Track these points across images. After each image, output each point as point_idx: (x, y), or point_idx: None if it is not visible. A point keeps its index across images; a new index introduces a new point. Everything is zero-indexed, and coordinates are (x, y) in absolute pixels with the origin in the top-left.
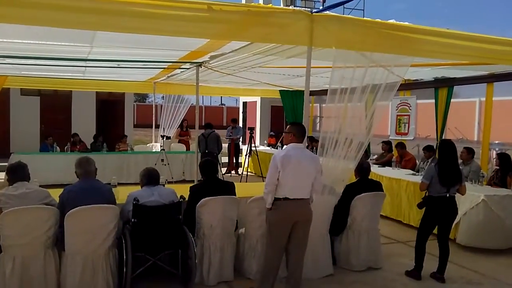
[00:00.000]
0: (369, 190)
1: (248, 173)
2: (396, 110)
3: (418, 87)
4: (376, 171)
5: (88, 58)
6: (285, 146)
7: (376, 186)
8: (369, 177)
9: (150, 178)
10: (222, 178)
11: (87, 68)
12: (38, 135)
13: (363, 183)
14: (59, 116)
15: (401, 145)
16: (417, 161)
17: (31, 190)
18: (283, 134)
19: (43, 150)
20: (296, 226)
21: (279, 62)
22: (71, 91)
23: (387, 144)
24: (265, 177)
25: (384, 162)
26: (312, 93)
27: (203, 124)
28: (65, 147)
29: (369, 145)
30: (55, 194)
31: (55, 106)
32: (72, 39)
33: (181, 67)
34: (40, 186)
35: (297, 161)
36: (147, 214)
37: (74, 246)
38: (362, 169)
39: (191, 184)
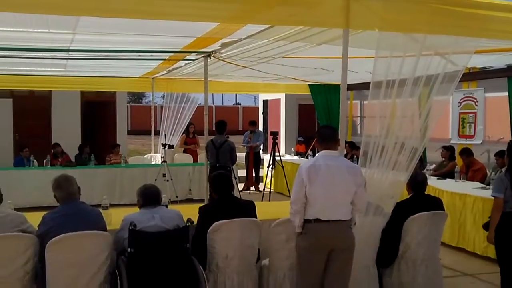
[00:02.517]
0: (426, 209)
1: (272, 190)
2: (459, 106)
3: (486, 77)
4: (435, 184)
5: (71, 48)
6: (316, 155)
7: (434, 203)
8: (426, 193)
9: (149, 197)
10: (239, 196)
11: (69, 60)
12: (12, 146)
13: (418, 200)
14: (37, 122)
15: (466, 152)
16: (487, 171)
17: (3, 215)
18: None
19: (17, 164)
20: (333, 256)
21: (307, 52)
22: (50, 91)
23: (448, 150)
24: None
25: (445, 173)
26: (350, 87)
27: (216, 126)
28: (45, 161)
29: (425, 152)
30: (33, 219)
31: (31, 110)
32: (49, 25)
33: (186, 58)
34: (15, 209)
35: (329, 172)
36: (146, 242)
37: (58, 283)
38: (417, 182)
39: (201, 204)
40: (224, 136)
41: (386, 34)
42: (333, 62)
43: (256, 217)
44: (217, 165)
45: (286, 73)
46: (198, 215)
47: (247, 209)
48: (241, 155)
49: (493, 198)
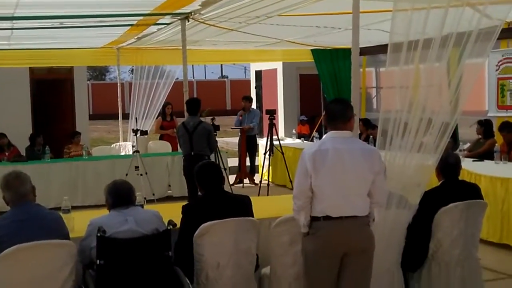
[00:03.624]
0: (461, 198)
1: (270, 183)
2: (497, 71)
3: None
4: (470, 167)
5: (15, 14)
6: (323, 137)
7: (471, 191)
8: (460, 178)
9: (120, 196)
10: (230, 191)
11: (14, 31)
12: None
13: (451, 187)
14: None
15: (507, 126)
16: None
17: None
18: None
19: None
20: (348, 260)
21: (309, 7)
22: None
23: (484, 126)
24: None
25: (482, 153)
26: (362, 51)
27: (186, 105)
28: None
29: (456, 129)
30: None
31: None
32: None
33: (158, 22)
34: None
35: (338, 157)
36: (119, 251)
37: None
38: (448, 165)
39: (183, 203)
40: (198, 118)
41: None
42: (341, 19)
43: (252, 216)
44: (192, 153)
45: (283, 36)
46: (181, 215)
47: (241, 206)
48: (232, 141)
49: None
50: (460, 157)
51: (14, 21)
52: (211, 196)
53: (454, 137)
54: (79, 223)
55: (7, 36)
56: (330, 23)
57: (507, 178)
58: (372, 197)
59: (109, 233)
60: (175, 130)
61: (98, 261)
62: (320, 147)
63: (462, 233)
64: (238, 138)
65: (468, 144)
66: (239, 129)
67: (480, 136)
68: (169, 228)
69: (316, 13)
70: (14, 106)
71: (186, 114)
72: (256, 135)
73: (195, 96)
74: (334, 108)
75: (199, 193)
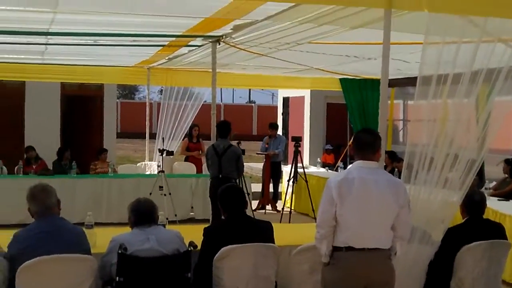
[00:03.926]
0: (484, 237)
1: (292, 210)
2: None
3: None
4: (495, 206)
5: (50, 30)
6: (349, 166)
7: (495, 230)
8: (484, 217)
9: (144, 214)
10: (252, 216)
11: (48, 46)
12: None
13: (475, 225)
14: (6, 120)
15: None
16: None
17: None
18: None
19: None
20: None
21: (339, 36)
22: (24, 82)
23: (511, 165)
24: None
25: (508, 192)
26: (391, 82)
27: (217, 128)
28: (16, 168)
29: (483, 166)
30: (3, 240)
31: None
32: (25, 1)
33: (190, 43)
34: None
35: (365, 188)
36: (139, 269)
37: None
38: (473, 203)
39: (205, 225)
40: (228, 141)
41: (437, 16)
42: (371, 49)
43: (273, 242)
44: (220, 176)
45: (312, 63)
46: (203, 237)
47: (262, 232)
48: (257, 166)
49: None
50: (486, 195)
51: (49, 37)
52: (233, 219)
53: (480, 174)
54: (101, 239)
55: (41, 51)
56: (360, 52)
57: None
58: (396, 230)
59: (130, 251)
60: (200, 152)
61: (117, 278)
62: (347, 176)
63: (485, 273)
64: (262, 163)
65: (494, 183)
66: (264, 155)
67: (506, 175)
68: (190, 249)
69: (346, 42)
70: (44, 120)
71: (212, 136)
72: (281, 162)
73: (222, 119)
74: (364, 138)
75: (222, 217)
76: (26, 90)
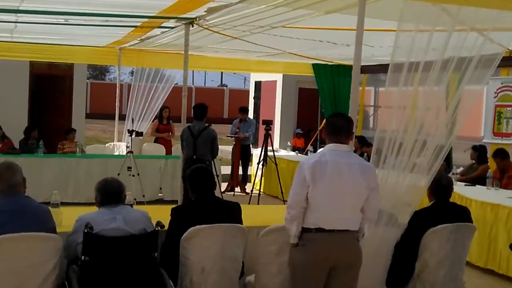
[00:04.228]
0: (450, 220)
1: (261, 192)
2: (495, 98)
3: None
4: (462, 191)
5: (21, 8)
6: (320, 149)
7: (460, 214)
8: (451, 200)
9: (110, 193)
10: (221, 197)
11: (18, 24)
12: None
13: (441, 208)
14: None
15: (501, 153)
16: None
17: None
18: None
19: None
20: (335, 273)
21: (313, 21)
22: None
23: (478, 151)
24: (287, 198)
25: (474, 177)
26: (363, 69)
27: (194, 110)
28: None
29: (451, 152)
30: None
31: None
32: None
33: (163, 25)
34: None
35: (337, 170)
36: (105, 249)
37: None
38: (440, 187)
39: (173, 206)
40: (203, 123)
41: (411, 4)
42: (345, 35)
43: (241, 223)
44: (194, 157)
45: (285, 47)
46: (170, 217)
47: (230, 213)
48: (226, 149)
49: None
50: (453, 180)
51: (19, 15)
52: (201, 200)
53: (448, 160)
54: (67, 219)
55: (11, 29)
56: (333, 38)
57: (497, 204)
58: (364, 212)
59: (96, 230)
60: (170, 134)
61: (83, 257)
62: (320, 158)
63: (449, 255)
64: (231, 146)
65: (461, 168)
66: (233, 138)
67: (473, 161)
68: (157, 229)
69: (320, 27)
70: (12, 99)
71: (183, 118)
72: (250, 145)
73: (193, 102)
74: (338, 122)
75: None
76: None
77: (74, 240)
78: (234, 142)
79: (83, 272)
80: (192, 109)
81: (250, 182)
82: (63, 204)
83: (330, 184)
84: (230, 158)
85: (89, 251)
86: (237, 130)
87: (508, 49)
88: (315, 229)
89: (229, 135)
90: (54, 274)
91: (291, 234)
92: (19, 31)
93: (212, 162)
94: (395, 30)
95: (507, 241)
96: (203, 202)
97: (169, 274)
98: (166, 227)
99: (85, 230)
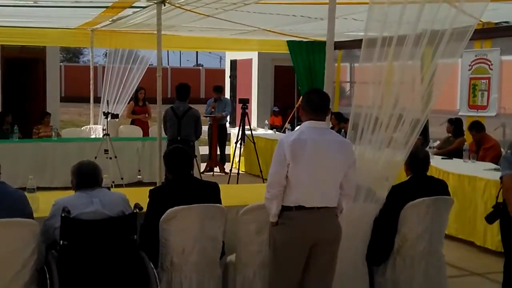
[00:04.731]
0: (428, 194)
1: (240, 172)
2: (469, 70)
3: (503, 35)
4: (439, 164)
5: None
6: (298, 127)
7: (438, 187)
8: (428, 174)
9: (87, 176)
10: (199, 178)
11: None
12: None
13: (419, 182)
14: None
15: (476, 126)
16: (502, 150)
17: None
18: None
19: None
20: (316, 250)
21: None
22: None
23: (454, 124)
24: (267, 177)
25: (451, 150)
26: (338, 45)
27: (176, 90)
28: None
29: (427, 126)
30: None
31: None
32: None
33: (134, 5)
34: None
35: (316, 148)
36: (83, 232)
37: None
38: (417, 161)
39: (152, 187)
40: (187, 103)
41: None
42: (319, 8)
43: (220, 203)
44: (178, 138)
45: (259, 24)
46: (148, 199)
47: (209, 193)
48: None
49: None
50: (430, 153)
51: None
52: (179, 181)
53: (425, 134)
54: (44, 203)
55: None
56: (307, 12)
57: (474, 177)
58: (343, 188)
59: (73, 214)
60: (147, 115)
61: (61, 241)
62: (299, 136)
63: (428, 228)
64: (207, 126)
65: (438, 142)
66: (210, 118)
67: (450, 134)
68: (135, 211)
69: (293, 2)
70: None
71: (158, 99)
72: (226, 124)
73: (169, 83)
74: (316, 99)
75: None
76: None
77: (52, 225)
78: (210, 122)
79: (62, 257)
80: (176, 90)
81: (228, 161)
82: (40, 189)
83: (310, 162)
84: (207, 138)
85: (67, 235)
86: (213, 110)
87: (480, 21)
88: (295, 207)
89: (206, 115)
90: (33, 260)
91: (271, 213)
92: None
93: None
94: (368, 3)
95: (484, 213)
96: (181, 183)
97: (149, 256)
98: (145, 209)
99: (62, 214)
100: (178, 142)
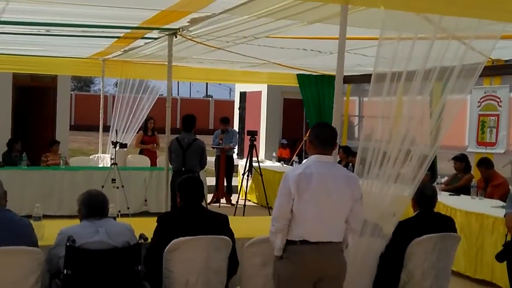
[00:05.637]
0: (435, 230)
1: (247, 203)
2: (478, 107)
3: None
4: (446, 201)
5: (2, 19)
6: (304, 161)
7: (445, 223)
8: (435, 210)
9: (93, 206)
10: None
11: None
12: None
13: (426, 218)
14: None
15: (485, 162)
16: (511, 187)
17: None
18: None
19: None
20: (320, 286)
21: (296, 30)
22: None
23: (462, 161)
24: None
25: (459, 187)
26: (347, 79)
27: (182, 121)
28: None
29: (435, 162)
30: None
31: None
32: None
33: (146, 36)
34: None
35: (322, 182)
36: (87, 262)
37: None
38: (424, 197)
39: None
40: (192, 134)
41: (393, 13)
42: (328, 43)
43: (229, 234)
44: (183, 169)
45: (269, 57)
46: (156, 225)
47: (217, 224)
48: (209, 159)
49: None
50: (437, 189)
51: (0, 25)
52: (189, 209)
53: (432, 170)
54: (49, 232)
55: None
56: (317, 47)
57: (481, 214)
58: (349, 223)
59: (79, 243)
60: (155, 145)
61: (65, 270)
62: (305, 170)
63: (434, 265)
64: (214, 157)
65: (446, 178)
66: (217, 149)
67: (458, 171)
68: (140, 242)
69: (303, 37)
70: None
71: (167, 129)
72: (234, 155)
73: (178, 113)
74: (324, 132)
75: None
76: None
77: (56, 254)
78: (217, 154)
79: (65, 286)
80: (181, 121)
81: (235, 193)
82: (47, 217)
83: (315, 197)
84: (214, 169)
85: (72, 265)
86: (220, 141)
87: (490, 58)
88: (299, 241)
89: (214, 146)
90: None
91: (275, 247)
92: (1, 42)
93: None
94: (377, 38)
95: (493, 251)
96: (190, 211)
97: (152, 286)
98: (150, 240)
99: (67, 244)
100: (183, 173)
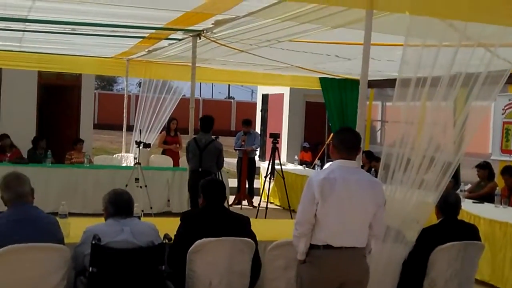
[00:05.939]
0: (458, 238)
1: (269, 205)
2: (503, 114)
3: None
4: (470, 209)
5: (29, 17)
6: (327, 165)
7: (469, 231)
8: (459, 218)
9: (119, 206)
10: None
11: (25, 33)
12: None
13: (449, 226)
14: None
15: (510, 171)
16: None
17: None
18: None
19: None
20: None
21: (321, 35)
22: (0, 69)
23: (486, 169)
24: (296, 213)
25: (483, 195)
26: (370, 83)
27: (200, 122)
28: None
29: (459, 169)
30: None
31: None
32: None
33: (170, 37)
34: None
35: (346, 187)
36: (112, 260)
37: None
38: (449, 204)
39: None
40: (210, 135)
41: (418, 19)
42: (352, 49)
43: (251, 235)
44: (200, 169)
45: (292, 61)
46: (180, 223)
47: (239, 225)
48: (231, 161)
49: None
50: (461, 197)
51: (27, 24)
52: (212, 209)
53: (456, 177)
54: (75, 229)
55: (19, 38)
56: (341, 52)
57: (505, 222)
58: (372, 229)
59: (104, 242)
60: (178, 145)
61: (90, 268)
62: (328, 175)
63: (458, 273)
64: (236, 159)
65: (469, 185)
66: (239, 151)
67: (481, 179)
68: (164, 242)
69: (327, 41)
70: (20, 109)
71: (190, 130)
72: (256, 157)
73: (200, 114)
74: (349, 138)
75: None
76: (2, 77)
77: (82, 252)
78: (239, 155)
79: (90, 284)
80: (199, 121)
81: (257, 195)
82: (71, 214)
83: (339, 202)
84: (236, 171)
85: (97, 263)
86: (243, 143)
87: None
88: (323, 246)
89: (236, 148)
90: (62, 285)
91: (298, 251)
92: (27, 40)
93: (219, 174)
94: (402, 45)
95: None
96: (213, 211)
97: (175, 286)
98: (174, 236)
99: (93, 242)
100: (200, 173)
